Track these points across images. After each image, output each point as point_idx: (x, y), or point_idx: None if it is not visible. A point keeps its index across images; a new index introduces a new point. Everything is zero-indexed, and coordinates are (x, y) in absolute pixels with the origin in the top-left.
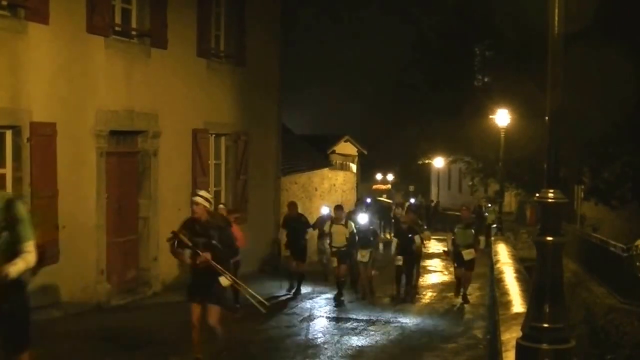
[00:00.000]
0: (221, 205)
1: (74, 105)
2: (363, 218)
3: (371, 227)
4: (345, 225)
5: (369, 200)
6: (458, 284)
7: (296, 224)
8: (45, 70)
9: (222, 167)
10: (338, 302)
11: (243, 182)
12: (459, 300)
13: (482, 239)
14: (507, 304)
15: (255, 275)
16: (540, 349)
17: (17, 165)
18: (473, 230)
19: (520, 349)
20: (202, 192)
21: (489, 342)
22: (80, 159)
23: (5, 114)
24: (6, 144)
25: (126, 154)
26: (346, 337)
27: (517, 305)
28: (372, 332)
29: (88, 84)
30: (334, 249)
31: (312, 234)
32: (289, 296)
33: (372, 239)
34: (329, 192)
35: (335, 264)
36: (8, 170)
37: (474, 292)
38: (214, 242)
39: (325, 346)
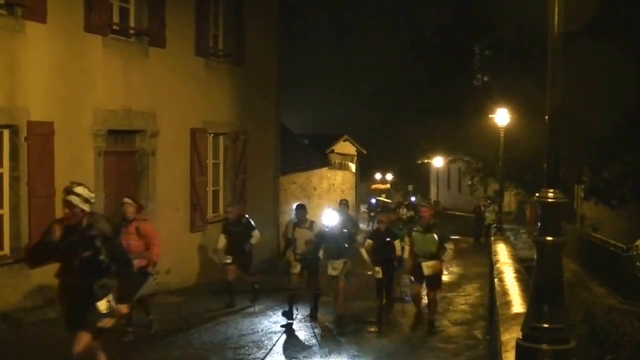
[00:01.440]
0: (127, 200)
1: (71, 105)
2: (331, 218)
3: (344, 231)
4: (310, 228)
5: (374, 200)
6: (417, 304)
7: (237, 227)
8: (43, 69)
9: (220, 167)
10: (312, 316)
11: (242, 182)
12: (429, 327)
13: (449, 248)
14: (507, 304)
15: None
16: (540, 350)
17: (15, 165)
18: (435, 235)
19: (520, 350)
20: (79, 189)
21: (489, 343)
22: (78, 159)
23: (3, 113)
24: (3, 143)
25: (124, 153)
26: (345, 338)
27: (517, 305)
28: (372, 333)
29: (86, 83)
30: (298, 257)
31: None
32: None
33: (345, 245)
34: (328, 191)
35: (297, 270)
36: (5, 170)
37: (473, 292)
38: (101, 257)
39: (325, 346)
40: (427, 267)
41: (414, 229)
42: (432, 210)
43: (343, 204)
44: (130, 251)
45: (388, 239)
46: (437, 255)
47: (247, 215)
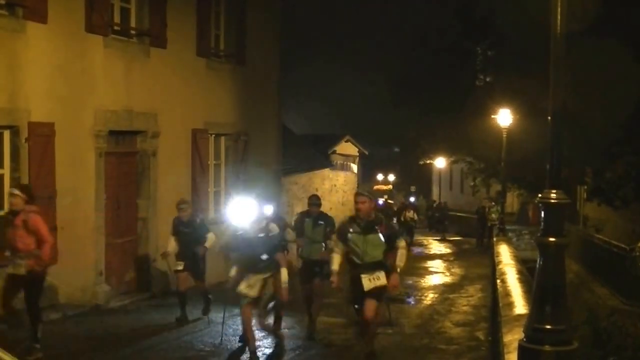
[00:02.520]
0: (14, 190)
1: (72, 105)
2: (242, 215)
3: (271, 234)
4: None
5: (381, 201)
6: (363, 327)
7: (189, 228)
8: (44, 70)
9: (221, 168)
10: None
11: (243, 183)
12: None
13: (402, 247)
14: (509, 305)
15: None
16: (542, 351)
17: (15, 166)
18: (381, 235)
19: (522, 351)
20: None
21: (491, 344)
22: (79, 159)
23: (4, 113)
24: (4, 144)
25: (125, 154)
26: (346, 340)
27: (520, 306)
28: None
29: (87, 83)
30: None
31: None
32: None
33: (264, 257)
34: (330, 192)
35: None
36: (6, 171)
37: (476, 293)
38: None
39: (325, 348)
40: (369, 280)
41: (350, 229)
42: (371, 202)
43: (312, 202)
44: (18, 249)
45: None
46: (383, 263)
47: (201, 216)
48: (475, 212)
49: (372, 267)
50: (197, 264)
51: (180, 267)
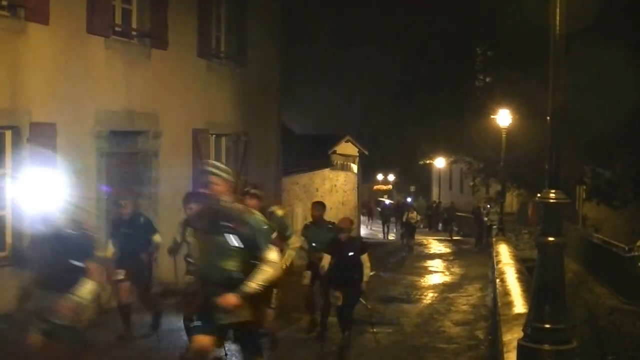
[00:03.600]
0: None
1: (73, 106)
2: (42, 206)
3: (85, 232)
4: None
5: (387, 202)
6: None
7: (130, 229)
8: (45, 71)
9: None
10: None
11: (243, 183)
12: None
13: (265, 268)
14: (509, 305)
15: None
16: (541, 350)
17: (17, 166)
18: (234, 238)
19: (521, 350)
20: None
21: (491, 343)
22: (80, 160)
23: (5, 114)
24: (6, 144)
25: (126, 154)
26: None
27: (519, 305)
28: (374, 333)
29: (88, 84)
30: (192, 268)
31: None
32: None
33: (75, 263)
34: (330, 192)
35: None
36: (8, 171)
37: (475, 292)
38: None
39: (325, 348)
40: (223, 306)
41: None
42: (229, 184)
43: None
44: None
45: (351, 253)
46: (240, 278)
47: (144, 213)
48: (472, 212)
49: (226, 283)
50: (141, 271)
51: (121, 276)
